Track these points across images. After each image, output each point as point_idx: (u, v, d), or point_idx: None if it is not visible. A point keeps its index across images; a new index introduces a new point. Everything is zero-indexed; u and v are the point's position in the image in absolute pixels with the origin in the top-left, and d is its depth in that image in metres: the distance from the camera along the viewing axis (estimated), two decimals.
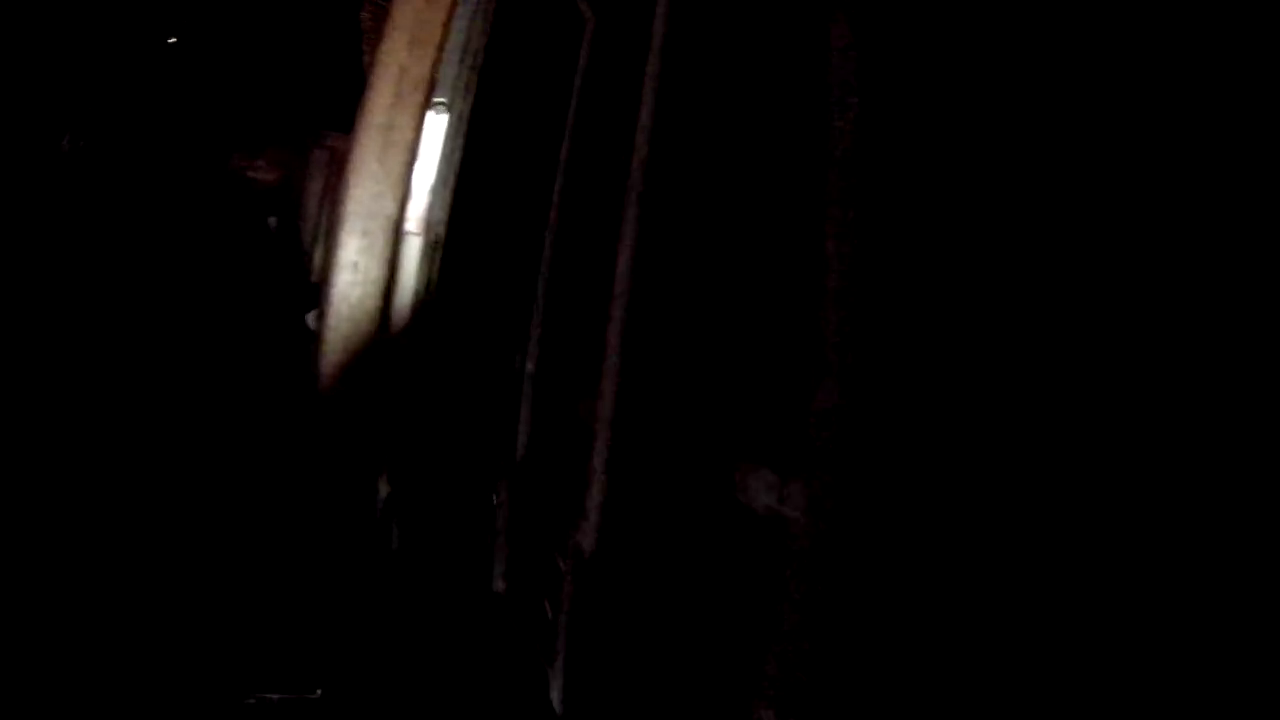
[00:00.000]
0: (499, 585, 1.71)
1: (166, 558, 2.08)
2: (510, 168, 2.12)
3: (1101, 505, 0.86)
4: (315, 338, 1.77)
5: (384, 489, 1.77)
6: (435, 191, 1.89)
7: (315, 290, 5.23)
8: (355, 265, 1.70)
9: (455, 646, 1.76)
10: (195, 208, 4.43)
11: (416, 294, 1.84)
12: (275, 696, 1.65)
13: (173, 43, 3.95)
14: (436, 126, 1.88)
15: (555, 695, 1.45)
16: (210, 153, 4.64)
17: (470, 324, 1.92)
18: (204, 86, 4.51)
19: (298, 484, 1.87)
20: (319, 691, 1.66)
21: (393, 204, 1.74)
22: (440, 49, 1.89)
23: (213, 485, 2.36)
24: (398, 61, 1.80)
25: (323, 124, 4.74)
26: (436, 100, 1.87)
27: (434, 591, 1.77)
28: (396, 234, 1.76)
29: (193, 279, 4.05)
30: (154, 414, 2.94)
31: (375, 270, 1.72)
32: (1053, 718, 0.87)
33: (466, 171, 1.98)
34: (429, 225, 1.87)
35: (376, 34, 3.60)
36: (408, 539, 1.77)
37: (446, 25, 1.89)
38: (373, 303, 1.72)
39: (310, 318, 2.90)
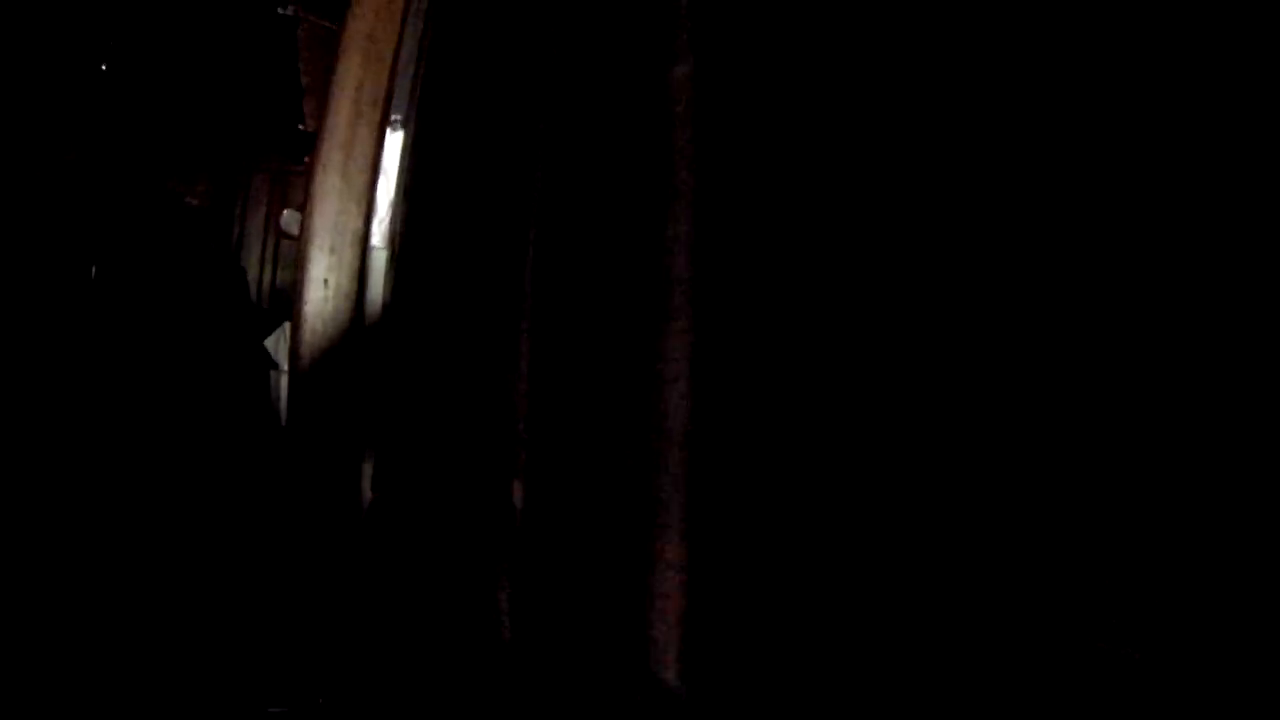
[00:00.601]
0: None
1: (143, 579, 2.07)
2: (459, 180, 2.18)
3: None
4: (291, 352, 1.80)
5: (368, 495, 1.80)
6: (395, 206, 1.94)
7: (264, 314, 5.18)
8: (326, 281, 1.73)
9: (450, 651, 1.81)
10: (131, 235, 4.36)
11: (385, 306, 1.88)
12: (278, 710, 1.67)
13: (104, 69, 3.89)
14: (395, 142, 1.93)
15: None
16: (144, 178, 4.57)
17: (434, 332, 1.97)
18: (136, 110, 4.45)
19: (275, 497, 1.90)
20: (321, 700, 1.68)
21: (358, 220, 1.78)
22: (394, 65, 1.94)
23: (182, 502, 2.36)
24: (354, 80, 1.84)
25: (261, 144, 4.71)
26: (394, 116, 1.91)
27: (425, 596, 1.81)
28: (364, 249, 1.80)
29: (132, 308, 3.99)
30: (110, 440, 2.91)
31: (346, 285, 1.76)
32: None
33: (417, 185, 2.03)
34: (392, 239, 1.91)
35: (313, 52, 3.60)
36: (395, 544, 1.81)
37: (399, 42, 1.93)
38: (345, 316, 1.76)
39: (271, 341, 2.90)
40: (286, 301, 5.28)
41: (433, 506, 1.90)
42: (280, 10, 3.36)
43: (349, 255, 1.78)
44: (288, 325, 3.63)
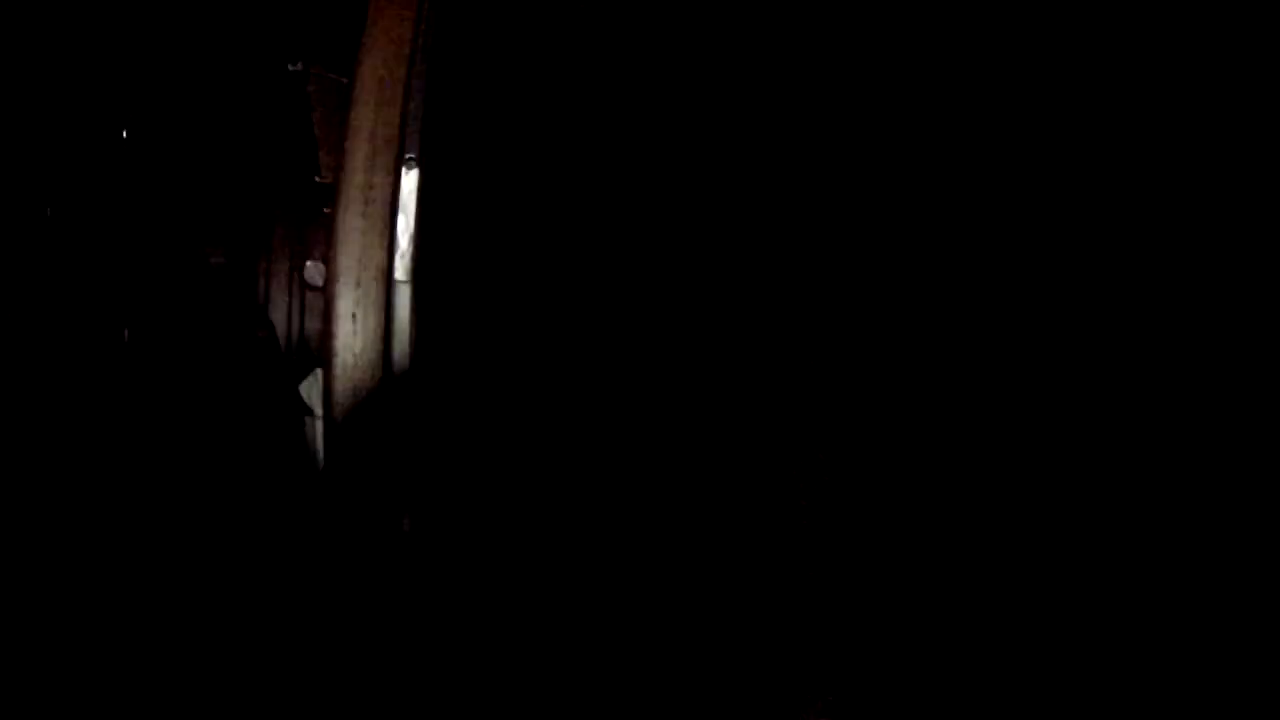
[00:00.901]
0: None
1: (184, 607, 2.12)
2: (475, 213, 2.24)
3: None
4: (324, 389, 1.86)
5: (407, 526, 1.85)
6: (415, 241, 2.00)
7: (294, 363, 5.27)
8: (354, 316, 1.79)
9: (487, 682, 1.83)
10: (159, 298, 4.44)
11: (411, 339, 1.94)
12: None
13: (125, 135, 4.01)
14: (411, 180, 1.99)
15: None
16: (166, 240, 4.67)
17: (458, 364, 2.02)
18: (153, 175, 4.56)
19: (314, 526, 1.94)
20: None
21: (381, 255, 1.84)
22: (404, 108, 2.01)
23: (224, 536, 2.41)
24: (367, 124, 1.91)
25: (279, 199, 4.82)
26: (408, 156, 1.98)
27: (466, 629, 1.85)
28: (388, 283, 1.85)
29: (169, 367, 4.07)
30: (141, 496, 2.97)
31: (373, 319, 1.81)
32: None
33: (435, 219, 2.11)
34: (414, 273, 1.97)
35: (325, 104, 3.70)
36: (434, 574, 1.84)
37: (408, 84, 2.01)
38: (375, 350, 1.81)
39: (304, 387, 2.96)
40: (315, 350, 5.37)
41: (464, 536, 1.94)
42: (290, 67, 3.46)
43: (374, 290, 1.84)
44: (319, 372, 3.69)
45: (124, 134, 4.22)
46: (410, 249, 2.08)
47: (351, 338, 1.87)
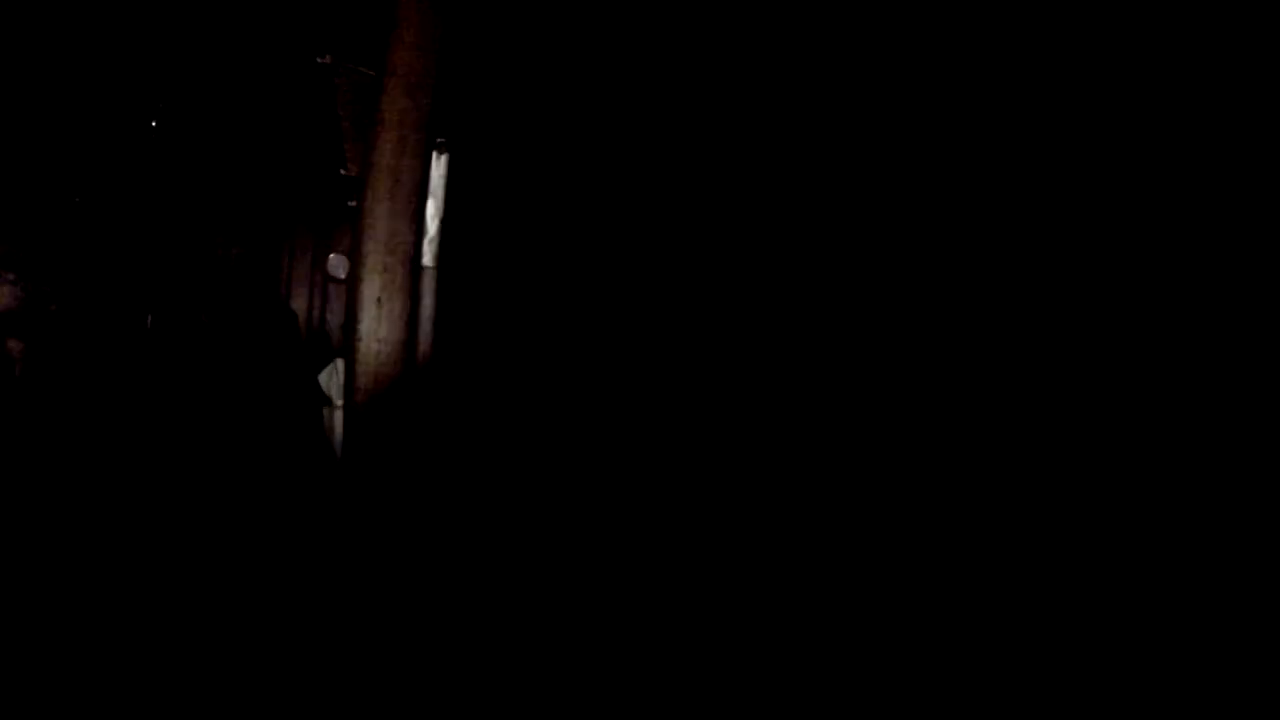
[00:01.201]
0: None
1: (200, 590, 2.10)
2: (507, 197, 2.20)
3: None
4: (346, 374, 1.82)
5: (427, 523, 1.81)
6: (444, 225, 1.96)
7: (315, 352, 5.27)
8: (379, 301, 1.75)
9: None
10: (184, 286, 4.45)
11: (437, 325, 1.90)
12: None
13: (154, 125, 4.02)
14: (440, 165, 1.96)
15: None
16: (196, 235, 4.68)
17: (482, 349, 1.98)
18: (185, 168, 4.57)
19: (327, 530, 1.91)
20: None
21: (408, 240, 1.80)
22: (433, 95, 1.98)
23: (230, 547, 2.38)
24: (398, 107, 1.88)
25: (304, 191, 4.82)
26: (438, 140, 1.95)
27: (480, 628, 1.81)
28: (415, 268, 1.82)
29: (196, 353, 4.07)
30: (167, 485, 2.95)
31: (399, 305, 1.77)
32: None
33: (452, 205, 2.07)
34: (441, 257, 1.94)
35: (352, 96, 3.69)
36: (453, 574, 1.80)
37: (437, 73, 1.97)
38: (400, 337, 1.77)
39: (323, 377, 2.93)
40: (335, 342, 5.37)
41: (482, 530, 1.90)
42: (319, 60, 3.44)
43: (400, 275, 1.81)
44: (338, 363, 3.67)
45: (152, 125, 4.21)
46: (439, 234, 2.05)
47: (376, 323, 1.83)
